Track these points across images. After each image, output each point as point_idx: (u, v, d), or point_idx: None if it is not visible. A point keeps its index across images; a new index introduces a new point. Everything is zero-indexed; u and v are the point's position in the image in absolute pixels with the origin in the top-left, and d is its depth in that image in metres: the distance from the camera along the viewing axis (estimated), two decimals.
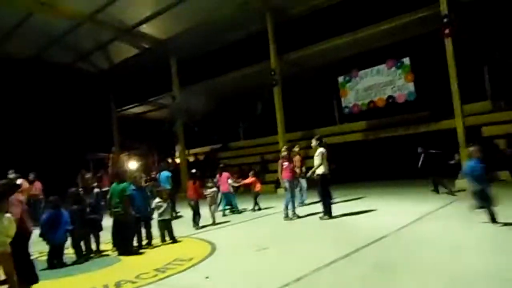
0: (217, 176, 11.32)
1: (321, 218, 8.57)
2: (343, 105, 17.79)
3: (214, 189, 9.75)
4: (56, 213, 6.47)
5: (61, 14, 15.50)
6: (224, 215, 10.87)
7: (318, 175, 8.57)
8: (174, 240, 7.54)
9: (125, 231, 6.80)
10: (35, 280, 5.25)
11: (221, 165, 11.93)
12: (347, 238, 6.61)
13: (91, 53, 19.48)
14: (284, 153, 9.41)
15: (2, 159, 12.00)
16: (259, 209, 11.22)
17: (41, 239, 6.37)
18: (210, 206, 9.42)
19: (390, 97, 16.18)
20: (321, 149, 8.60)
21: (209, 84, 19.00)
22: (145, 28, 17.47)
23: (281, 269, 5.12)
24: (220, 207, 10.94)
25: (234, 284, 4.77)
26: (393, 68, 16.04)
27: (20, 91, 17.95)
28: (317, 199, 9.60)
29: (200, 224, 9.08)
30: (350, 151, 17.71)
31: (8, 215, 4.70)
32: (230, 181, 11.21)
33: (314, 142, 8.84)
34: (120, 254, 6.77)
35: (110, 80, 21.46)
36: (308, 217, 9.07)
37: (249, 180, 11.77)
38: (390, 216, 8.28)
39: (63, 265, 6.30)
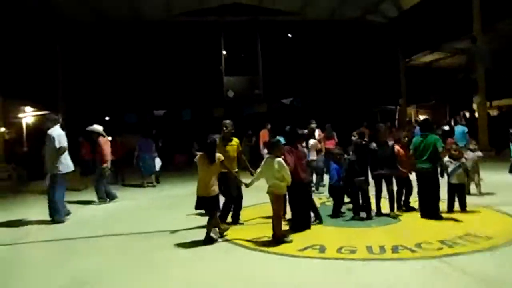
0: None
1: None
2: None
3: None
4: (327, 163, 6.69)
5: None
6: None
7: None
8: (463, 209, 6.27)
9: (433, 191, 5.92)
10: (306, 226, 5.57)
11: None
12: None
13: (381, 3, 18.83)
14: None
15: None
16: None
17: None
18: None
19: None
20: None
21: None
22: None
23: None
24: None
25: None
26: None
27: (316, 50, 19.88)
28: None
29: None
30: None
31: (279, 159, 5.02)
32: None
33: None
34: (423, 216, 5.98)
35: (398, 29, 20.31)
36: None
37: None
38: None
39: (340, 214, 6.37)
